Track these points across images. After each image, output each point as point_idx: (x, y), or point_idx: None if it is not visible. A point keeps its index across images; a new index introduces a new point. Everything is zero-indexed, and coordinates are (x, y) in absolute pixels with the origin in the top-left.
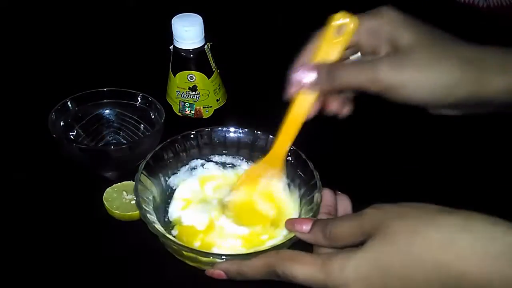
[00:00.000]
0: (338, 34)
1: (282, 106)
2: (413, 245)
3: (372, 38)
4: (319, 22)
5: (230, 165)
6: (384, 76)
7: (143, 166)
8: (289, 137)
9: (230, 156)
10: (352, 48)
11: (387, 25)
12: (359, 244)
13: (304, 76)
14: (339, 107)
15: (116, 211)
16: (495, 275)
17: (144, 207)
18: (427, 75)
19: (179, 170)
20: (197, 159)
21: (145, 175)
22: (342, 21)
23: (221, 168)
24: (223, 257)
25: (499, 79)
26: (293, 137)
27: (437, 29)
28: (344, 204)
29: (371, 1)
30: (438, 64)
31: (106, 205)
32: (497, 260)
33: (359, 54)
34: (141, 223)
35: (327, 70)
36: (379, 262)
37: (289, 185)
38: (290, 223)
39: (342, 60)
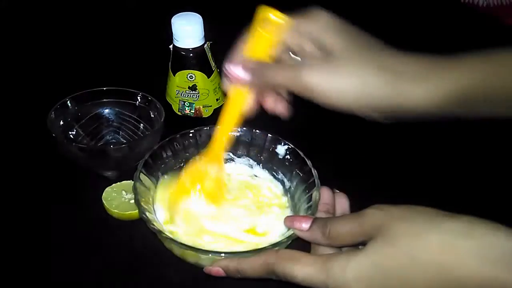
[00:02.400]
0: (266, 30)
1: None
2: (414, 248)
3: (298, 38)
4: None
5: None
6: (306, 79)
7: (142, 164)
8: (226, 130)
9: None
10: (280, 47)
11: (314, 26)
12: (358, 244)
13: (235, 71)
14: (272, 104)
15: (115, 211)
16: (494, 280)
17: (143, 205)
18: (346, 80)
19: (177, 169)
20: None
21: (144, 174)
22: (271, 17)
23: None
24: (222, 254)
25: (418, 88)
26: (230, 129)
27: (365, 34)
28: (342, 202)
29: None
30: (358, 70)
31: (105, 204)
32: (496, 265)
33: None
34: (140, 223)
35: (253, 67)
36: (380, 264)
37: (288, 184)
38: (290, 221)
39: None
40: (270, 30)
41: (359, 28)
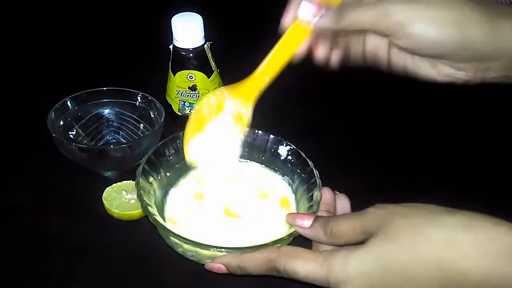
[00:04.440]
0: None
1: (280, 106)
2: (415, 244)
3: None
4: None
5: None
6: (394, 10)
7: (145, 160)
8: (271, 69)
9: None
10: None
11: None
12: (359, 243)
13: (310, 10)
14: (324, 54)
15: (116, 211)
16: (495, 275)
17: (146, 200)
18: (437, 12)
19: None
20: None
21: (146, 169)
22: None
23: None
24: (223, 250)
25: (510, 27)
26: (276, 71)
27: None
28: (343, 203)
29: None
30: (451, 2)
31: (105, 204)
32: (497, 260)
33: None
34: (140, 223)
35: (335, 9)
36: (382, 259)
37: (290, 184)
38: (291, 218)
39: None
40: None
41: None
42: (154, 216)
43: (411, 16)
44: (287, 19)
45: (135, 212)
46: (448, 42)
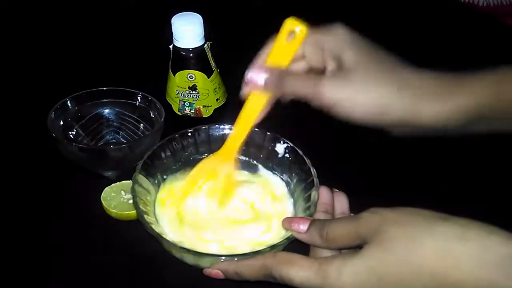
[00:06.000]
0: (289, 39)
1: (280, 106)
2: (410, 253)
3: (319, 52)
4: (318, 23)
5: None
6: (325, 92)
7: (140, 166)
8: (241, 133)
9: None
10: (301, 60)
11: (334, 42)
12: (355, 247)
13: (257, 77)
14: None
15: (114, 210)
16: (489, 285)
17: (141, 207)
18: (362, 96)
19: (176, 169)
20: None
21: (142, 175)
22: (293, 27)
23: None
24: (221, 258)
25: (434, 106)
26: (246, 133)
27: (382, 50)
28: (341, 202)
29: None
30: (374, 86)
31: (104, 204)
32: (492, 269)
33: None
34: (138, 223)
35: (276, 75)
36: (376, 268)
37: (287, 182)
38: (288, 222)
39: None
40: (293, 41)
41: (376, 44)
42: (150, 225)
43: (340, 99)
44: (243, 90)
45: (133, 212)
46: (373, 122)
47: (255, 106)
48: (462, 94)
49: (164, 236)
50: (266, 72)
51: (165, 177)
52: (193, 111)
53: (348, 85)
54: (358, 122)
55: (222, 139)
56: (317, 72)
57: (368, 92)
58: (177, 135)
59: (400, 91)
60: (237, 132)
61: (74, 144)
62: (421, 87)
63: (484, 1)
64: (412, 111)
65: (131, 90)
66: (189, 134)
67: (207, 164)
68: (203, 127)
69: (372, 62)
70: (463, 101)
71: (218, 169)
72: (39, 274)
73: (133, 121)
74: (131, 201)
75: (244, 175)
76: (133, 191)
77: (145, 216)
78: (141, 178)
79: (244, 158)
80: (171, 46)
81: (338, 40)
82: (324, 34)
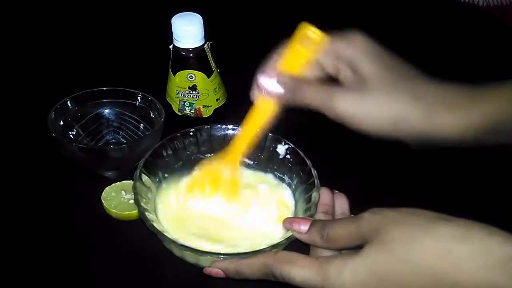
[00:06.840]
0: (304, 47)
1: (283, 107)
2: (410, 253)
3: (334, 60)
4: (318, 23)
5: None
6: (340, 105)
7: (142, 163)
8: (248, 136)
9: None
10: (315, 66)
11: (350, 50)
12: (355, 247)
13: (269, 84)
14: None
15: (114, 210)
16: (490, 286)
17: (143, 205)
18: (379, 109)
19: (177, 168)
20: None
21: (144, 173)
22: (311, 34)
23: None
24: (221, 256)
25: (450, 118)
26: (252, 136)
27: (399, 60)
28: (342, 203)
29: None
30: (391, 99)
31: (104, 204)
32: (492, 270)
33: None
34: (139, 223)
35: (291, 85)
36: (377, 268)
37: (288, 184)
38: (288, 222)
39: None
40: (308, 48)
41: (393, 54)
42: (152, 222)
43: (353, 112)
44: (252, 94)
45: (134, 212)
46: (388, 135)
47: (263, 110)
48: (479, 106)
49: (164, 233)
50: (279, 79)
51: (166, 175)
52: (193, 111)
53: (364, 99)
54: (373, 134)
55: (224, 139)
56: (331, 79)
57: (384, 105)
58: (179, 134)
59: (417, 103)
60: (244, 135)
61: (74, 144)
62: (437, 98)
63: (484, 1)
64: (428, 124)
65: (131, 90)
66: (191, 133)
67: (212, 164)
68: (205, 126)
69: (388, 73)
70: (481, 112)
71: (223, 170)
72: (39, 274)
73: (133, 121)
74: (131, 201)
75: (246, 176)
76: (134, 188)
77: (146, 213)
78: (143, 176)
79: (245, 159)
80: (171, 46)
81: (355, 48)
82: (341, 41)
